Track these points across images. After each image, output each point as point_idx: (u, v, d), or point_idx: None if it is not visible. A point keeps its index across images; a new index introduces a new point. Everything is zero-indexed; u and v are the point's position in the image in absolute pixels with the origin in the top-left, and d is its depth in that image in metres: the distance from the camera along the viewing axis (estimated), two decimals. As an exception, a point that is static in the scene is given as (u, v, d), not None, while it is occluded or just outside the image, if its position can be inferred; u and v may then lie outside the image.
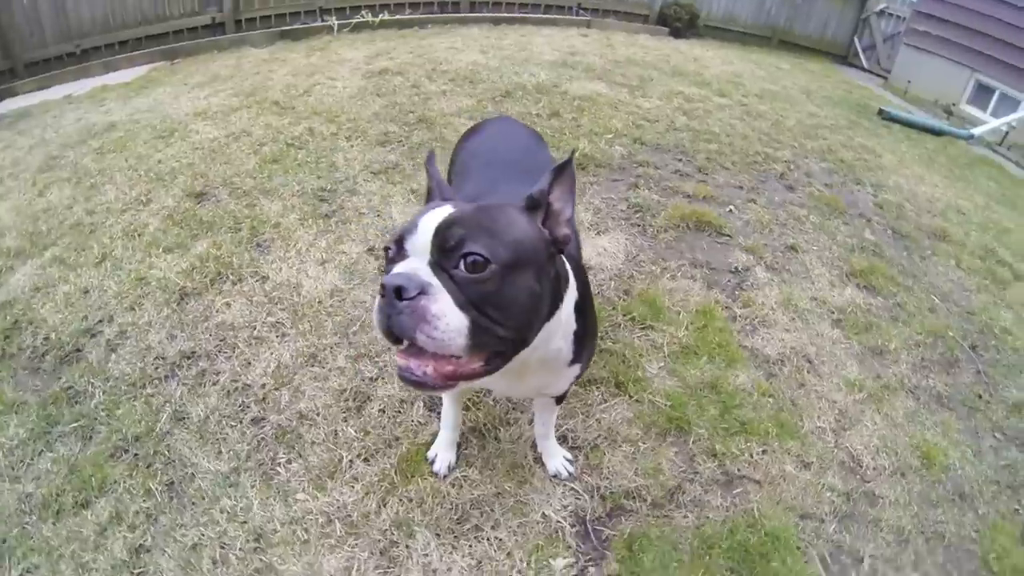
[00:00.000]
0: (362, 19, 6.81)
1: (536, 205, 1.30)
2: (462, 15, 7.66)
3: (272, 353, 2.54)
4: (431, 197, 1.49)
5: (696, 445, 2.39)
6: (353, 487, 2.07)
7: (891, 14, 10.28)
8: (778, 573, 1.99)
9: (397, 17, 7.11)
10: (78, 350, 2.67)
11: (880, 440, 2.52)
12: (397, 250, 1.20)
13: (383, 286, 1.09)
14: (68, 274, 3.05)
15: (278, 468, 2.14)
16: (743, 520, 2.12)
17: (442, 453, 2.17)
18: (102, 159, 4.10)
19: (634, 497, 2.17)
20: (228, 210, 3.39)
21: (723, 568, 1.98)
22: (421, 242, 1.16)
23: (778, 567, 1.99)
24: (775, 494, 2.24)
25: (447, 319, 1.09)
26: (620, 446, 2.33)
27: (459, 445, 2.22)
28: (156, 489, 2.10)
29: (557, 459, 2.19)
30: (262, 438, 2.24)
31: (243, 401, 2.37)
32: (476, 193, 1.83)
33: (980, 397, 3.05)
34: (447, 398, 2.10)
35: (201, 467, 2.16)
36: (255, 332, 2.65)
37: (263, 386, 2.42)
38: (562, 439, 2.30)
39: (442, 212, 1.18)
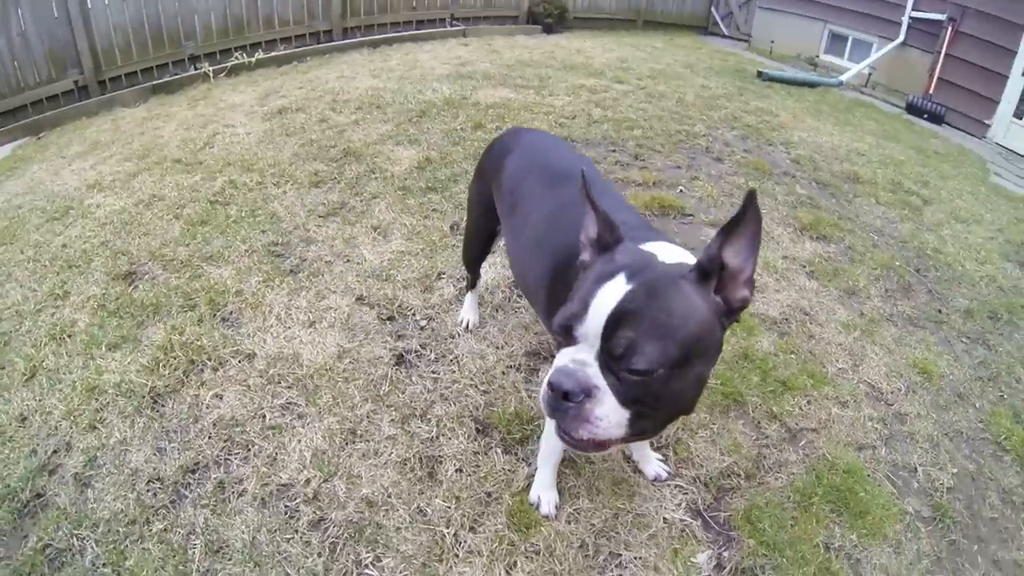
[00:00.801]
0: (238, 61, 6.24)
1: (708, 275, 1.17)
2: (338, 43, 7.25)
3: (299, 441, 2.13)
4: (596, 234, 1.29)
5: (756, 412, 2.48)
6: (471, 563, 1.77)
7: (736, -21, 11.11)
8: (865, 501, 2.14)
9: (273, 54, 6.60)
10: (39, 495, 2.07)
11: (886, 367, 2.77)
12: (565, 336, 1.16)
13: (551, 385, 1.12)
14: (-9, 402, 2.46)
15: (367, 570, 1.77)
16: (823, 466, 2.24)
17: (545, 493, 1.98)
18: (-11, 256, 3.42)
19: (730, 475, 2.20)
20: (171, 286, 2.88)
21: (827, 511, 2.08)
22: (592, 331, 1.12)
23: (863, 496, 2.15)
24: (832, 436, 2.41)
25: (609, 419, 1.11)
26: (697, 432, 2.34)
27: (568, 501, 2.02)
28: None
29: (652, 463, 2.14)
30: (331, 543, 1.84)
31: (288, 506, 1.95)
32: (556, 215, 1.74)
33: (939, 312, 3.45)
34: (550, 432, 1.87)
35: None
36: (266, 421, 2.22)
37: (307, 482, 2.01)
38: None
39: (614, 294, 1.12)
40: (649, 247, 1.31)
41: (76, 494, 2.08)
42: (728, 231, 1.13)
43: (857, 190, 4.74)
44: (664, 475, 2.12)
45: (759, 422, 2.44)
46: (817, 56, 9.78)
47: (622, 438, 1.16)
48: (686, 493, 2.11)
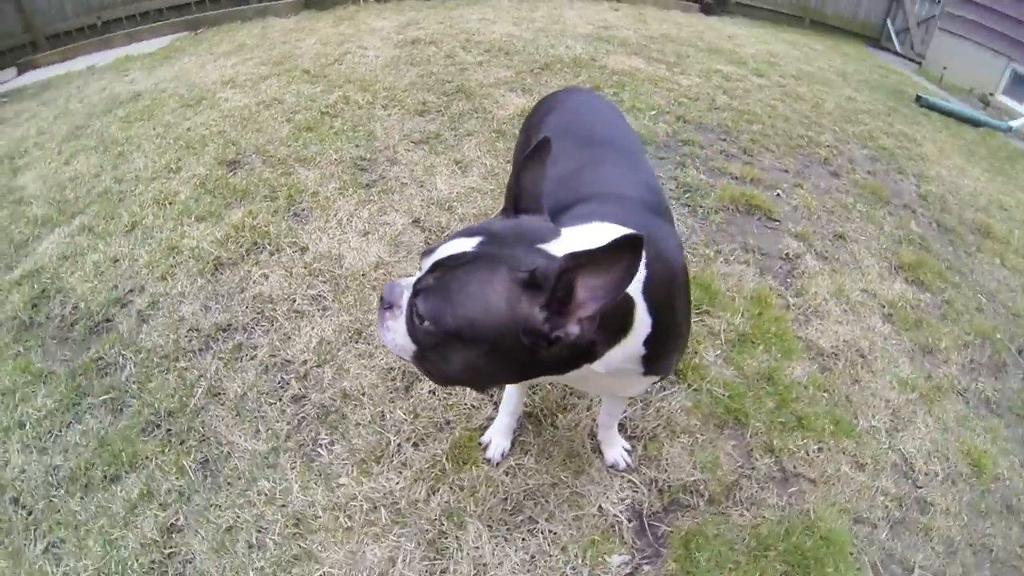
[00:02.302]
0: None
1: (535, 285, 1.05)
2: None
3: (313, 328, 2.37)
4: (510, 199, 1.26)
5: (754, 439, 2.24)
6: (401, 473, 1.91)
7: (925, -5, 9.94)
8: None
9: None
10: (108, 320, 2.53)
11: (932, 444, 2.37)
12: (422, 258, 1.23)
13: (382, 297, 1.24)
14: (97, 243, 2.91)
15: (320, 450, 1.98)
16: (799, 521, 1.98)
17: (496, 439, 2.01)
18: (128, 127, 3.94)
19: (692, 492, 2.03)
20: (263, 178, 3.21)
21: (778, 571, 1.86)
22: (425, 265, 1.18)
23: (832, 573, 1.88)
24: (830, 495, 2.11)
25: (396, 335, 1.20)
26: (679, 437, 2.16)
27: (514, 431, 2.05)
28: (189, 467, 1.96)
29: (616, 449, 2.04)
30: (303, 417, 2.07)
31: (283, 378, 2.21)
32: (567, 176, 1.65)
33: None
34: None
35: (238, 446, 2.00)
36: (295, 305, 2.47)
37: (304, 362, 2.25)
38: (620, 428, 2.13)
39: (453, 247, 1.15)
40: (571, 231, 1.22)
41: (134, 325, 2.48)
42: (587, 260, 0.99)
43: (983, 245, 4.17)
44: (623, 464, 2.02)
45: (752, 450, 2.23)
46: (992, 95, 8.56)
47: (412, 363, 1.23)
48: (636, 491, 2.00)
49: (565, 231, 1.20)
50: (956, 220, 4.30)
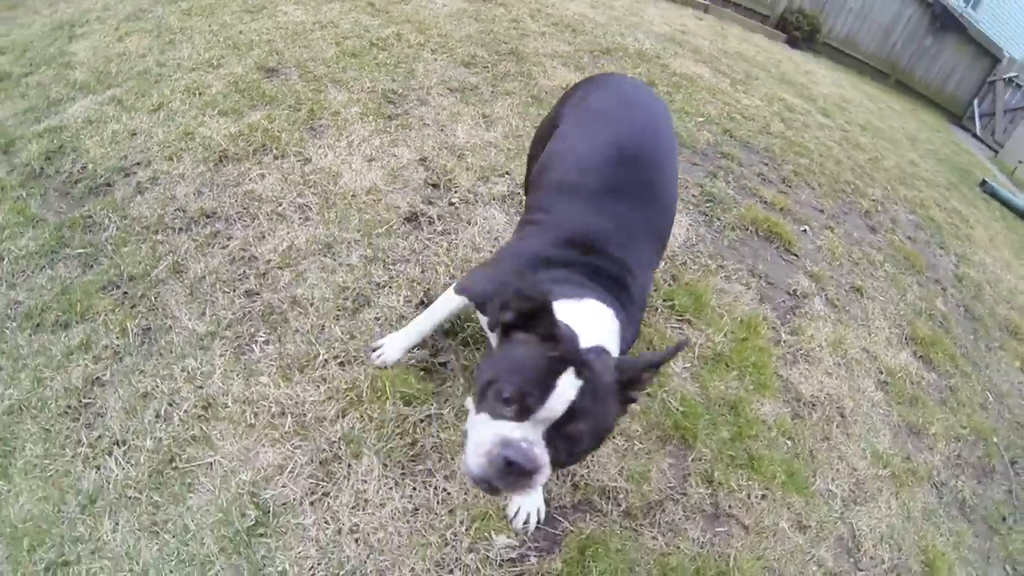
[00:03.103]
0: None
1: (626, 386, 1.31)
2: None
3: (288, 232, 2.34)
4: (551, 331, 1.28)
5: (695, 464, 2.08)
6: (319, 388, 1.86)
7: (1020, 85, 9.42)
8: None
9: None
10: (108, 184, 2.57)
11: (888, 528, 2.19)
12: (520, 409, 1.19)
13: (507, 460, 1.16)
14: (122, 115, 2.95)
15: (253, 346, 1.95)
16: (715, 564, 1.85)
17: (390, 346, 1.95)
18: (187, 19, 3.96)
19: (609, 498, 1.90)
20: (294, 89, 3.18)
21: None
22: (546, 416, 1.19)
23: None
24: (758, 547, 1.94)
25: (541, 481, 1.21)
26: (614, 438, 2.03)
27: (440, 385, 1.96)
28: (131, 330, 1.98)
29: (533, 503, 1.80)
30: (248, 311, 2.05)
31: (244, 271, 2.19)
32: (589, 189, 1.65)
33: (1004, 520, 2.68)
34: (435, 312, 1.90)
35: (180, 322, 2.00)
36: (279, 208, 2.44)
37: (268, 262, 2.22)
38: None
39: (569, 389, 1.20)
40: (576, 314, 1.36)
41: (130, 194, 2.51)
42: (656, 367, 1.32)
43: (1007, 343, 3.90)
44: (531, 525, 1.78)
45: (689, 475, 2.07)
46: None
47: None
48: (550, 479, 1.84)
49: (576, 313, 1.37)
50: (986, 311, 4.05)
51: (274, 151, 2.72)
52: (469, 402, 1.38)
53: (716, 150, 3.94)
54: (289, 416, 1.78)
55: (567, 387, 1.19)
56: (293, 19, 3.98)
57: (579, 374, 1.20)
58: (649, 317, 2.50)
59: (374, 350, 1.96)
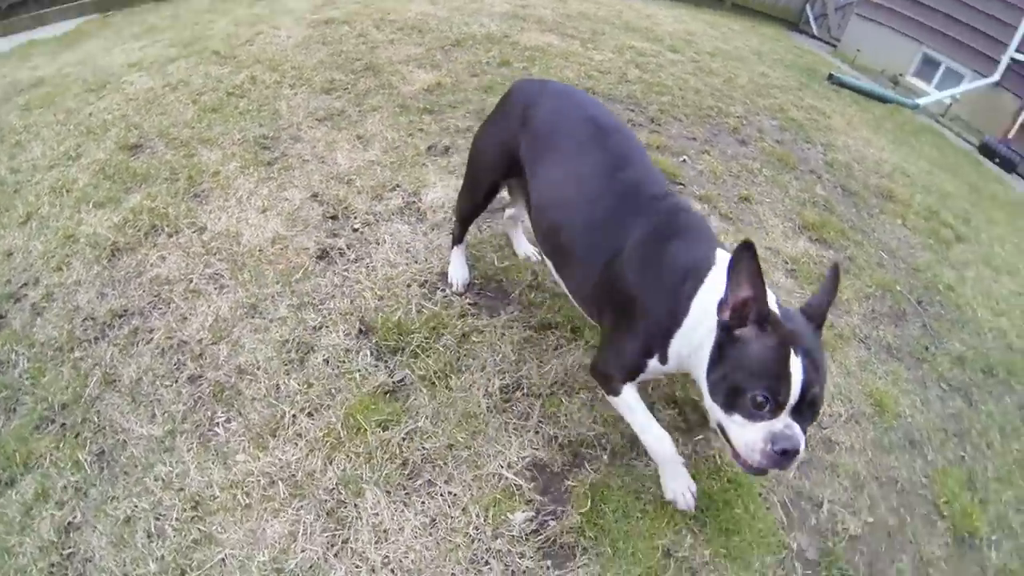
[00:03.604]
0: None
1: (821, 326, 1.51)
2: None
3: (210, 306, 2.24)
4: (749, 305, 1.43)
5: (655, 392, 2.19)
6: (297, 444, 1.82)
7: (843, -18, 10.02)
8: (740, 520, 1.85)
9: None
10: (1, 317, 2.34)
11: (835, 387, 2.40)
12: (775, 407, 1.34)
13: (788, 452, 1.33)
14: (-11, 237, 2.70)
15: (216, 428, 1.87)
16: (705, 467, 1.97)
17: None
18: (28, 116, 3.66)
19: (594, 446, 1.97)
20: (164, 161, 3.02)
21: (686, 516, 1.83)
22: (794, 401, 1.34)
23: (741, 514, 1.87)
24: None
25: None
26: (578, 393, 2.10)
27: (407, 402, 1.98)
28: (85, 460, 1.83)
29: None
30: (199, 397, 1.96)
31: (179, 359, 2.08)
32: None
33: (927, 349, 3.00)
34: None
35: (134, 433, 1.88)
36: (192, 285, 2.33)
37: (200, 341, 2.12)
38: (516, 387, 2.06)
39: (799, 372, 1.33)
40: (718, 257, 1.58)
41: (28, 319, 2.30)
42: (832, 302, 1.52)
43: (885, 207, 4.26)
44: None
45: (655, 403, 2.16)
46: (903, 75, 8.77)
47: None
48: (536, 449, 1.91)
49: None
50: (860, 185, 4.38)
51: (166, 229, 2.59)
52: (708, 403, 1.47)
53: (584, 109, 4.04)
54: (280, 483, 1.73)
55: (798, 369, 1.33)
56: (141, 88, 3.75)
57: (798, 350, 1.34)
58: None
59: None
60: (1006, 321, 3.49)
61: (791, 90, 6.02)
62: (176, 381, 2.01)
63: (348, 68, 4.01)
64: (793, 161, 4.29)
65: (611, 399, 1.80)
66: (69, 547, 1.66)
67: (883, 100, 7.34)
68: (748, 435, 1.36)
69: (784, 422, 1.33)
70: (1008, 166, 7.14)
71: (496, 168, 2.05)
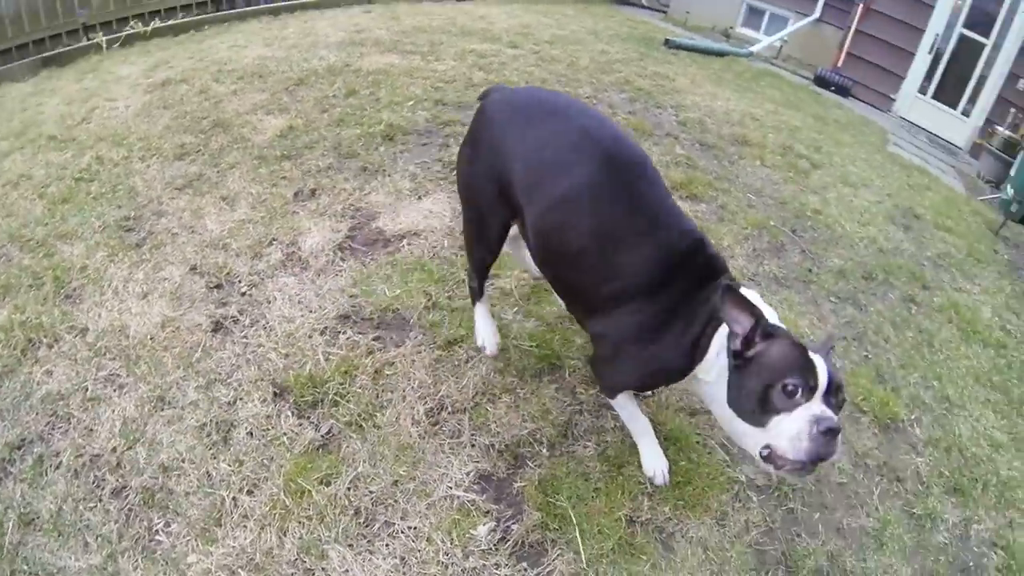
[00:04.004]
0: (132, 30, 5.55)
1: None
2: (239, 10, 6.47)
3: (114, 411, 2.00)
4: (751, 328, 1.42)
5: (573, 376, 2.21)
6: (246, 527, 1.67)
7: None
8: (688, 470, 1.93)
9: (170, 23, 5.86)
10: None
11: None
12: (809, 390, 1.33)
13: (833, 430, 1.29)
14: None
15: (157, 536, 1.68)
16: None
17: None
18: None
19: (531, 443, 1.96)
20: (23, 267, 2.63)
21: (637, 481, 1.87)
22: (821, 390, 1.34)
23: (687, 465, 1.95)
24: (662, 401, 2.16)
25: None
26: (500, 398, 2.08)
27: (340, 451, 1.88)
28: None
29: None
30: (129, 509, 1.75)
31: (96, 475, 1.84)
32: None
33: (810, 271, 3.19)
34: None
35: (71, 569, 1.64)
36: (88, 393, 2.07)
37: (114, 450, 1.89)
38: (440, 408, 2.01)
39: (824, 366, 1.36)
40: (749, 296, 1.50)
41: None
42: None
43: (743, 152, 4.42)
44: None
45: (575, 387, 2.17)
46: (733, 28, 9.14)
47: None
48: (477, 462, 1.88)
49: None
50: (716, 137, 4.52)
51: (44, 341, 2.28)
52: (741, 429, 1.45)
53: (436, 123, 3.97)
54: (240, 570, 1.60)
55: (818, 359, 1.36)
56: (-26, 194, 3.27)
57: (815, 351, 1.38)
58: (461, 289, 2.50)
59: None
60: (873, 229, 3.80)
61: (633, 61, 6.12)
62: (100, 500, 1.78)
63: (196, 128, 3.69)
64: (648, 128, 4.39)
65: (606, 397, 1.88)
66: None
67: (719, 54, 7.61)
68: (790, 426, 1.31)
69: (820, 405, 1.32)
70: (843, 92, 7.69)
71: (499, 206, 1.79)
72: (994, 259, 4.21)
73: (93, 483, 1.83)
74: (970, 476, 2.32)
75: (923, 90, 7.62)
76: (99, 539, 1.69)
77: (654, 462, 1.87)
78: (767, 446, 1.36)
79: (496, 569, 1.63)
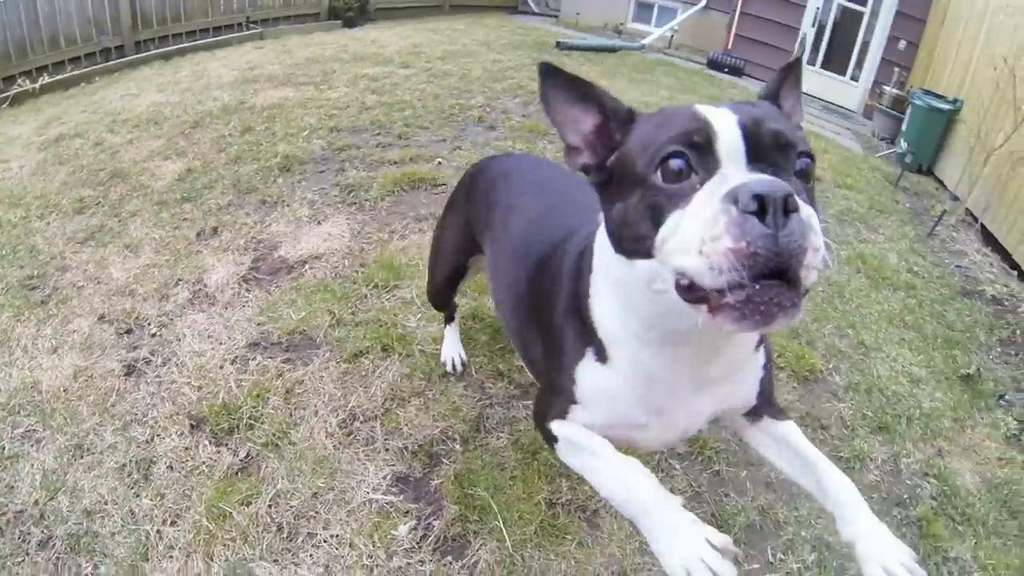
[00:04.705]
0: (20, 88, 5.12)
1: (771, 98, 0.91)
2: (129, 58, 6.06)
3: (33, 465, 1.88)
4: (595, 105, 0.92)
5: (480, 372, 2.19)
6: (172, 557, 1.62)
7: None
8: None
9: (58, 77, 5.41)
10: None
11: None
12: (699, 157, 0.73)
13: (763, 197, 0.63)
14: None
15: None
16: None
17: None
18: None
19: (444, 441, 1.92)
20: (-77, 342, 2.45)
21: (551, 465, 1.81)
22: (734, 144, 0.73)
23: None
24: None
25: (819, 232, 0.68)
26: (409, 401, 2.05)
27: (259, 471, 1.83)
28: None
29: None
30: (57, 558, 1.65)
31: (21, 531, 1.72)
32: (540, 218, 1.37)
33: None
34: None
35: None
36: (5, 451, 1.93)
37: (36, 503, 1.78)
38: (352, 418, 1.98)
39: (726, 109, 0.77)
40: None
41: None
42: (783, 76, 0.92)
43: None
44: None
45: (483, 383, 2.12)
46: (623, 24, 9.08)
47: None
48: (392, 465, 1.83)
49: None
50: None
51: None
52: (641, 277, 0.80)
53: (332, 149, 3.92)
54: None
55: (720, 110, 0.78)
56: None
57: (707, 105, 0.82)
58: (364, 304, 2.50)
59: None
60: None
61: (525, 67, 6.00)
62: (27, 554, 1.67)
63: (94, 181, 3.46)
64: (542, 128, 4.34)
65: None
66: None
67: (612, 50, 7.55)
68: (690, 224, 0.70)
69: (735, 171, 0.72)
70: (737, 72, 7.73)
71: (457, 251, 1.77)
72: (896, 208, 4.39)
73: (19, 538, 1.72)
74: (893, 413, 2.27)
75: (811, 61, 7.64)
76: (28, 594, 1.59)
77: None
78: (680, 274, 0.72)
79: (420, 566, 1.59)
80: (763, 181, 0.67)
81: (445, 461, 1.88)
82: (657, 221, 0.74)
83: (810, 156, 0.78)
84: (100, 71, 5.74)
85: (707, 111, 0.78)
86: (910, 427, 2.25)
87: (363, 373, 2.17)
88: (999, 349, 2.96)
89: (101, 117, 4.46)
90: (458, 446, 1.92)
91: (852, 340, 2.71)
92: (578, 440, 1.02)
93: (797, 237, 0.64)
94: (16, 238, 3.02)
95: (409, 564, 1.61)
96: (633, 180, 0.80)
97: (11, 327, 2.44)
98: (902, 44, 7.04)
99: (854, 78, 7.61)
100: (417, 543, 1.64)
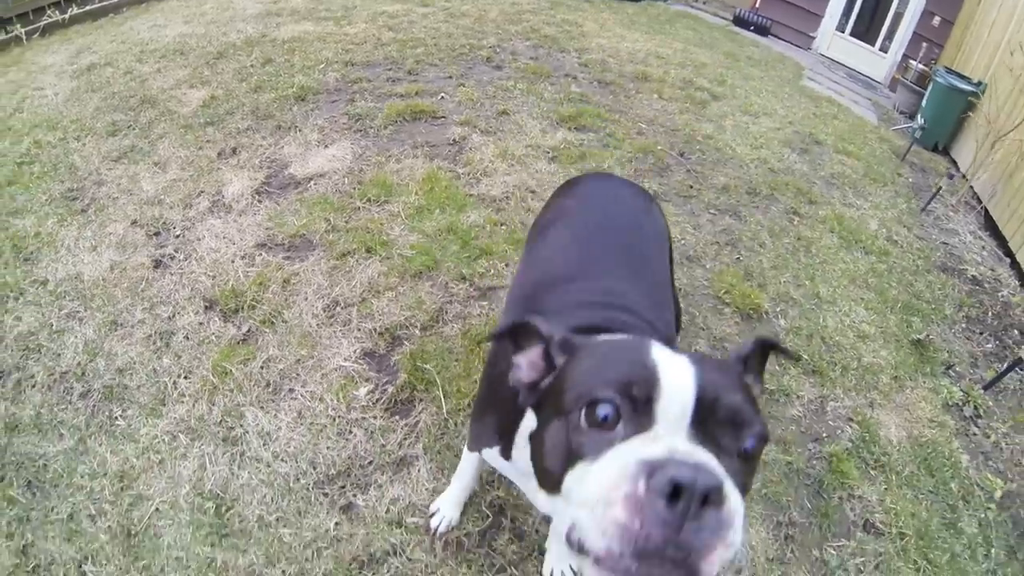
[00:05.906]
0: (50, 19, 5.40)
1: (743, 362, 0.87)
2: None
3: (76, 337, 2.28)
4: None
5: (447, 275, 2.48)
6: (183, 402, 2.01)
7: None
8: None
9: (87, 9, 5.65)
10: None
11: None
12: (632, 410, 0.68)
13: (678, 485, 0.58)
14: None
15: (117, 421, 2.00)
16: (499, 315, 2.28)
17: (446, 508, 1.66)
18: None
19: (407, 327, 2.27)
20: (-20, 242, 2.86)
21: (486, 350, 2.04)
22: (679, 406, 0.67)
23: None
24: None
25: (739, 530, 0.61)
26: (383, 294, 2.39)
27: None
28: (17, 494, 1.86)
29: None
30: (94, 405, 2.06)
31: (66, 386, 2.13)
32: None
33: (691, 187, 3.31)
34: (470, 456, 1.51)
35: (49, 454, 1.94)
36: (53, 328, 2.33)
37: (79, 364, 2.18)
38: (335, 304, 2.32)
39: (685, 365, 0.72)
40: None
41: None
42: (762, 352, 0.90)
43: (641, 87, 4.45)
44: None
45: (448, 283, 2.42)
46: None
47: None
48: (362, 342, 2.18)
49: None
50: (616, 75, 4.56)
51: (10, 295, 2.50)
52: (547, 506, 0.77)
53: (345, 81, 4.15)
54: (180, 434, 1.93)
55: (676, 363, 0.72)
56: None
57: (664, 349, 0.76)
58: (356, 215, 2.78)
59: (431, 517, 1.69)
60: (766, 151, 3.92)
61: (542, 11, 6.05)
62: (70, 403, 2.07)
63: (125, 107, 3.81)
64: (547, 71, 4.46)
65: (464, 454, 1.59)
66: (33, 562, 1.71)
67: None
68: (593, 481, 0.65)
69: (665, 436, 0.66)
70: (762, 31, 7.57)
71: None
72: (896, 181, 4.35)
73: (64, 392, 2.13)
74: (830, 360, 2.39)
75: (841, 27, 7.49)
76: (71, 429, 2.00)
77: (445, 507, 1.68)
78: (572, 524, 0.67)
79: (373, 420, 1.95)
80: (690, 467, 0.60)
81: (405, 342, 2.21)
82: (567, 463, 0.70)
83: (763, 438, 0.71)
84: (127, 2, 5.99)
85: (662, 358, 0.72)
86: (845, 376, 2.38)
87: (348, 269, 2.50)
88: (964, 325, 2.95)
89: (130, 47, 4.77)
90: (418, 331, 2.24)
91: (807, 290, 2.80)
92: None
93: (707, 535, 0.58)
94: (56, 157, 3.39)
95: (364, 418, 1.97)
96: (557, 411, 0.75)
97: (56, 231, 2.82)
98: (936, 20, 6.78)
99: (883, 49, 7.36)
100: (373, 403, 2.00)
